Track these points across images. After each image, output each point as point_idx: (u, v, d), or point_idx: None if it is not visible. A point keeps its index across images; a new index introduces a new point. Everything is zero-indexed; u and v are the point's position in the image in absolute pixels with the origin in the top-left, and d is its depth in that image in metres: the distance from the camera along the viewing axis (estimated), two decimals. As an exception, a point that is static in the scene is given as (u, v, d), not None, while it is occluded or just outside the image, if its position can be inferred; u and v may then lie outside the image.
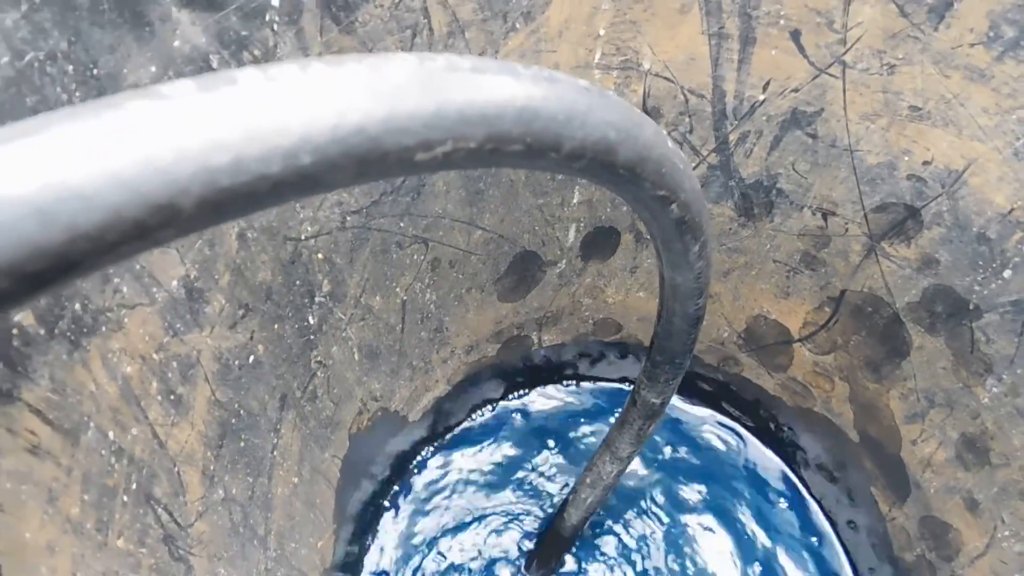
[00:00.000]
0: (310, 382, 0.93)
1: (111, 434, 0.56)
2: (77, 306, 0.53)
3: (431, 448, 1.34)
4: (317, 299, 0.86)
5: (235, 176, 0.25)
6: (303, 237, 0.75)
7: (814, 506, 1.33)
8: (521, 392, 1.40)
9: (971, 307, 0.98)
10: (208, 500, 0.73)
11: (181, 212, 0.24)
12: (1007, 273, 0.93)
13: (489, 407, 1.38)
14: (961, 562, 1.10)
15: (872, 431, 1.22)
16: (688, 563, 1.25)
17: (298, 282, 0.80)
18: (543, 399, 1.40)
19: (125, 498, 0.57)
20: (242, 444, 0.80)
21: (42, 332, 0.50)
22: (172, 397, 0.64)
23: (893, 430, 1.18)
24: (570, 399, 1.41)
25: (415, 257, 0.98)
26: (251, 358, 0.77)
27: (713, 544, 1.27)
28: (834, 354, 1.21)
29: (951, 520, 1.11)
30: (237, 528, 0.81)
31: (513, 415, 1.39)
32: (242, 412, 0.79)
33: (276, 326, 0.80)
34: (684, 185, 0.53)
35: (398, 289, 1.00)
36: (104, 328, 0.55)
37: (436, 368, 1.23)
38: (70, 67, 0.49)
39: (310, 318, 0.86)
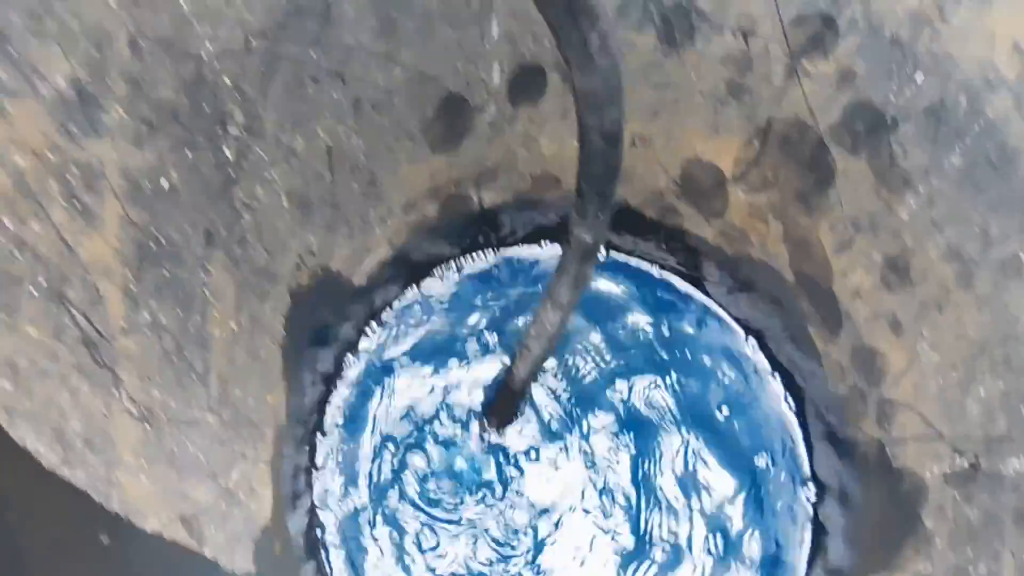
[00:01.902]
0: (236, 223, 0.94)
1: (7, 222, 0.56)
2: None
3: (380, 311, 1.36)
4: (232, 131, 0.86)
5: None
6: (204, 57, 0.75)
7: (756, 352, 1.36)
8: (467, 255, 1.41)
9: (888, 120, 1.00)
10: (133, 320, 0.74)
11: None
12: (919, 77, 0.94)
13: (436, 270, 1.39)
14: (888, 383, 1.14)
15: (807, 269, 1.25)
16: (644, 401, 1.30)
17: (207, 107, 0.80)
18: (489, 261, 1.42)
19: (33, 291, 0.58)
20: (166, 274, 0.81)
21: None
22: (77, 205, 0.65)
23: (825, 264, 1.21)
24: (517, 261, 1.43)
25: (333, 95, 0.97)
26: (164, 182, 0.77)
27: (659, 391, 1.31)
28: (766, 192, 1.23)
29: (878, 345, 1.15)
30: (170, 357, 0.82)
31: (461, 278, 1.41)
32: (162, 240, 0.79)
33: (189, 153, 0.80)
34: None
35: (320, 131, 1.00)
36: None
37: (376, 227, 1.24)
38: None
39: (227, 150, 0.86)
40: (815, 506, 1.26)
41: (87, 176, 0.65)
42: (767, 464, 1.28)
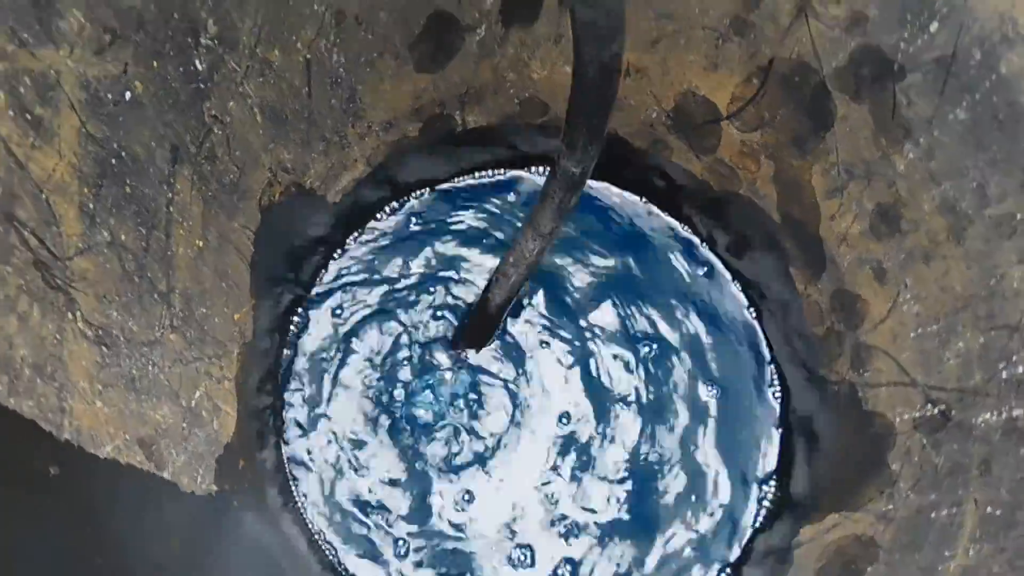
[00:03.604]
0: (206, 138, 0.88)
1: (-51, 136, 0.52)
2: None
3: (355, 231, 1.32)
4: (203, 41, 0.80)
5: None
6: (173, -44, 0.69)
7: (733, 288, 1.35)
8: (448, 178, 1.37)
9: (896, 68, 0.96)
10: (90, 239, 0.70)
11: None
12: (933, 26, 0.90)
13: (413, 192, 1.35)
14: (866, 328, 1.14)
15: (794, 211, 1.22)
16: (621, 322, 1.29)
17: (176, 15, 0.74)
18: (469, 183, 1.38)
19: (-23, 211, 0.54)
20: (128, 191, 0.77)
21: None
22: (28, 116, 0.60)
23: (814, 207, 1.18)
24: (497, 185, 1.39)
25: (316, 7, 0.91)
26: (127, 95, 0.72)
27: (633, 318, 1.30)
28: (761, 131, 1.19)
29: (860, 291, 1.14)
30: (131, 276, 0.79)
31: (437, 201, 1.37)
32: (124, 155, 0.74)
33: (155, 63, 0.75)
34: None
35: (299, 45, 0.94)
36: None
37: (353, 145, 1.19)
38: None
39: (197, 63, 0.81)
40: (782, 439, 1.27)
41: (40, 87, 0.60)
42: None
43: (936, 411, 0.98)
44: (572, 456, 1.24)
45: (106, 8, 0.65)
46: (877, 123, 1.02)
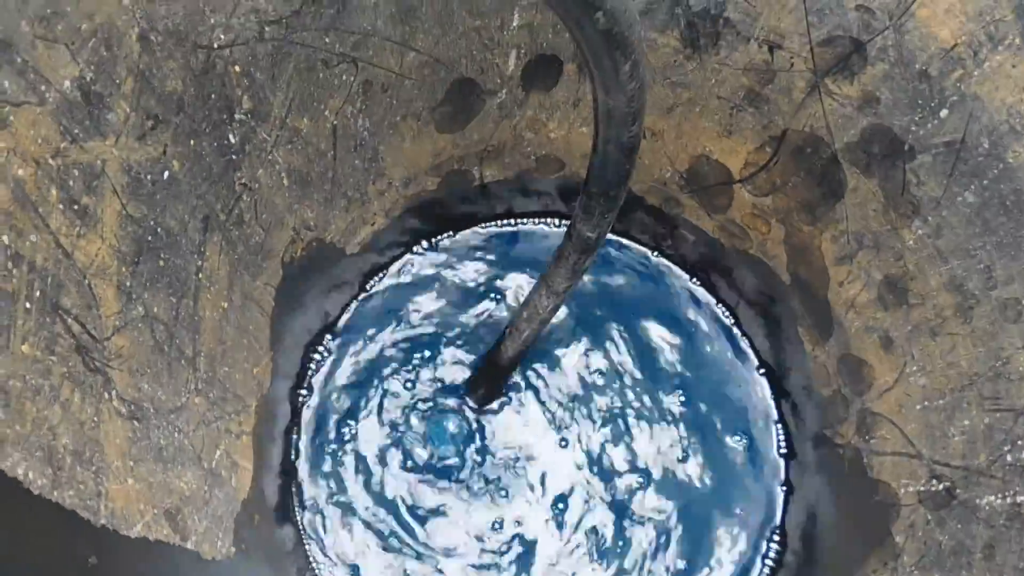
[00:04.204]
0: (235, 205, 0.91)
1: (5, 239, 0.54)
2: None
3: (371, 280, 1.34)
4: (237, 116, 0.83)
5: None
6: (216, 45, 0.71)
7: (744, 343, 1.37)
8: (462, 229, 1.39)
9: (906, 148, 0.98)
10: (126, 316, 0.72)
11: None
12: (943, 112, 0.92)
13: (428, 242, 1.37)
14: (872, 396, 1.16)
15: (803, 273, 1.25)
16: (625, 372, 1.31)
17: (214, 96, 0.77)
18: (482, 236, 1.40)
19: (28, 305, 0.56)
20: (161, 264, 0.79)
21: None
22: (76, 207, 0.62)
23: (822, 272, 1.20)
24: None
25: (344, 78, 0.93)
26: (166, 174, 0.74)
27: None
28: (772, 196, 1.21)
29: (867, 357, 1.16)
30: (161, 346, 0.81)
31: (456, 250, 1.39)
32: (159, 230, 0.77)
33: (192, 142, 0.77)
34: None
35: (327, 112, 0.97)
36: (-11, 127, 0.52)
37: (373, 200, 1.21)
38: None
39: (231, 136, 0.83)
40: (785, 502, 1.29)
41: (87, 177, 0.62)
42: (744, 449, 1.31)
43: (941, 487, 1.00)
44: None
45: (151, 97, 0.67)
46: (887, 198, 1.04)
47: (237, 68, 0.77)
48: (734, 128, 1.15)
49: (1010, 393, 0.94)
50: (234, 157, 0.86)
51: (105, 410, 0.67)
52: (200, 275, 0.88)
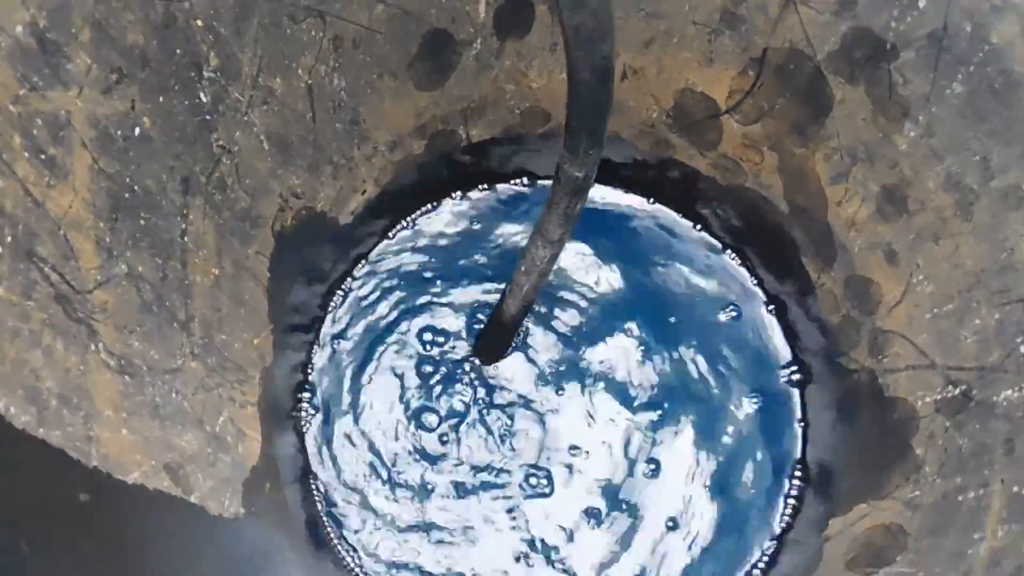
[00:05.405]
0: (215, 168, 0.91)
1: (-32, 180, 0.54)
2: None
3: (370, 247, 1.34)
4: (206, 74, 0.83)
5: None
6: (172, -4, 0.71)
7: (748, 281, 1.35)
8: (454, 192, 1.39)
9: (888, 47, 0.97)
10: (108, 272, 0.72)
11: None
12: (922, 2, 0.91)
13: (422, 208, 1.37)
14: (881, 314, 1.14)
15: (800, 199, 1.23)
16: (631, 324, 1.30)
17: (179, 51, 0.77)
18: (478, 198, 1.39)
19: (0, 249, 0.56)
20: (142, 223, 0.79)
21: None
22: (43, 157, 0.62)
23: (820, 194, 1.19)
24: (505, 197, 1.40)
25: (313, 34, 0.93)
26: (137, 130, 0.75)
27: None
28: (761, 122, 1.20)
29: (873, 275, 1.14)
30: (150, 306, 0.81)
31: (450, 215, 1.38)
32: (136, 188, 0.77)
33: (161, 99, 0.77)
34: None
35: (300, 71, 0.96)
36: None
37: (360, 166, 1.21)
38: None
39: (201, 95, 0.83)
40: (804, 432, 1.27)
41: (52, 128, 0.63)
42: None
43: (957, 391, 0.98)
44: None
45: (111, 49, 0.68)
46: (875, 104, 1.02)
47: (199, 22, 0.77)
48: (715, 55, 1.13)
49: (1017, 284, 0.92)
50: (208, 117, 0.86)
51: (92, 360, 0.67)
52: (186, 238, 0.88)
